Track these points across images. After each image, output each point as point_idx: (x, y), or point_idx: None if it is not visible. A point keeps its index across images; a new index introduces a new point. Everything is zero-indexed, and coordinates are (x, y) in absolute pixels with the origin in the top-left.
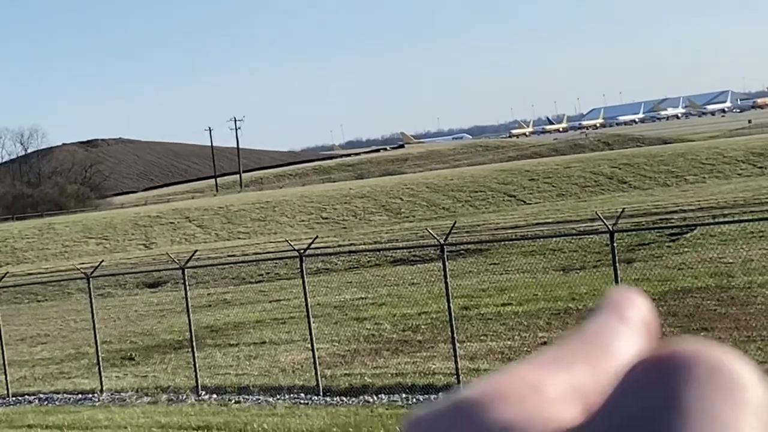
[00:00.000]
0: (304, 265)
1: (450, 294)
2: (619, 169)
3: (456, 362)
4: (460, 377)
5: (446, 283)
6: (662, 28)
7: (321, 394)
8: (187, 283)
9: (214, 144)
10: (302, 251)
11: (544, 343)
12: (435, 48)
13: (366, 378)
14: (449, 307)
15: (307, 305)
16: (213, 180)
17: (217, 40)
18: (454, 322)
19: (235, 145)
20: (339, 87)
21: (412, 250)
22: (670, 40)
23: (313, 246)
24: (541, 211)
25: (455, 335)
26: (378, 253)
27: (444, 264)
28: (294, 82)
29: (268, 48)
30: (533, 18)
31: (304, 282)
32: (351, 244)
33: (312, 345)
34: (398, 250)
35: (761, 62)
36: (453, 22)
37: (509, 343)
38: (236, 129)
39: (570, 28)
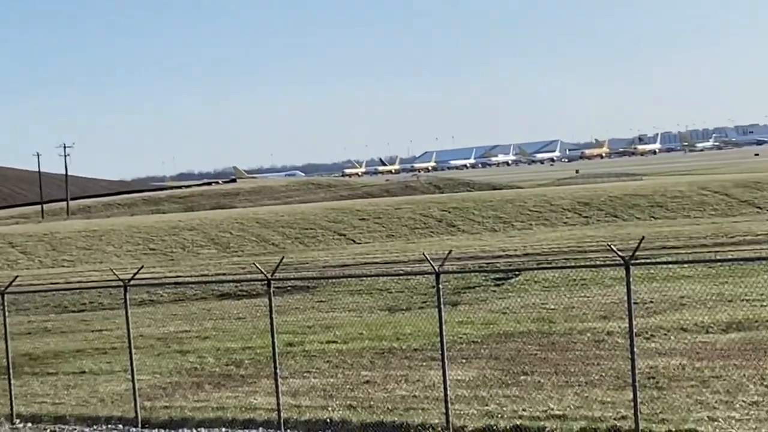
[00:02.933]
0: (128, 295)
1: (275, 330)
2: (449, 212)
3: (278, 398)
4: (282, 413)
5: (271, 318)
6: (496, 76)
7: (139, 425)
8: (6, 310)
9: (43, 170)
10: (127, 281)
11: (367, 381)
12: (268, 84)
13: (186, 411)
14: (273, 342)
15: (129, 336)
16: (39, 206)
17: (53, 63)
18: (277, 358)
19: (64, 172)
20: (172, 118)
21: (239, 284)
22: (503, 88)
23: (138, 276)
24: (370, 251)
25: (278, 371)
26: (204, 286)
27: (270, 299)
28: (126, 111)
29: (99, 75)
30: (365, 58)
31: (127, 312)
32: (177, 276)
33: (132, 376)
34: (225, 284)
35: (590, 114)
36: (287, 61)
37: (332, 380)
38: (65, 155)
39: (404, 70)
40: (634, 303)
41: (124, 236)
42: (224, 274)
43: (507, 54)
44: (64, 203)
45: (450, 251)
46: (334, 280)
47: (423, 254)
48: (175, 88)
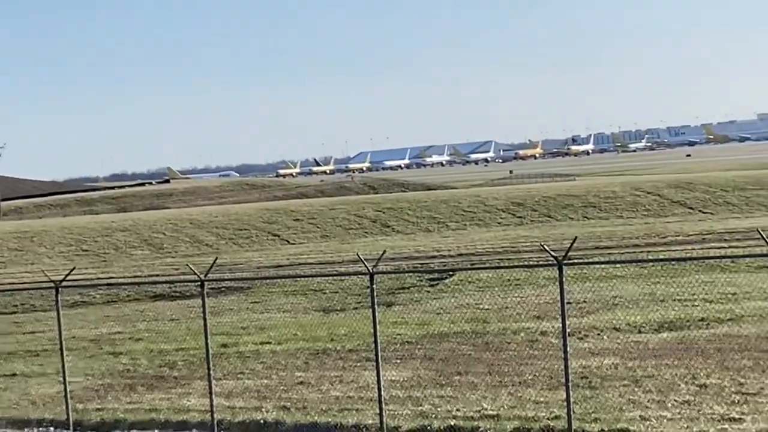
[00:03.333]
0: (60, 297)
1: (208, 331)
2: (383, 213)
3: (211, 399)
4: (215, 414)
5: (205, 319)
6: (430, 75)
7: (71, 428)
8: None
9: None
10: (59, 282)
11: (301, 383)
12: (201, 84)
13: (119, 413)
14: (207, 344)
15: (60, 338)
16: None
17: None
18: (211, 360)
19: None
20: (105, 119)
21: (173, 285)
22: (440, 89)
23: (70, 278)
24: (304, 251)
25: (212, 372)
26: (138, 287)
27: (203, 300)
28: (59, 110)
29: (33, 74)
30: (295, 59)
31: (59, 314)
32: (110, 278)
33: (64, 378)
34: (159, 285)
35: (525, 114)
36: (219, 61)
37: (266, 381)
38: None
39: (337, 70)
40: (568, 303)
41: (56, 237)
42: (158, 275)
43: (440, 54)
44: None
45: (384, 252)
46: (268, 281)
47: (357, 255)
48: (109, 88)
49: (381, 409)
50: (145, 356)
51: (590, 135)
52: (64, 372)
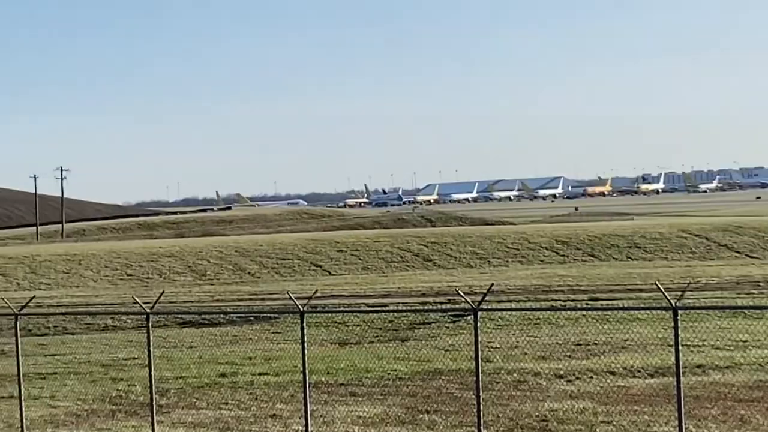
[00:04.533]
0: (18, 324)
1: (152, 364)
2: (427, 247)
3: (153, 429)
4: None
5: (149, 352)
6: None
7: None
8: None
9: (43, 192)
10: (19, 309)
11: (273, 415)
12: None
13: None
14: (151, 375)
15: (18, 365)
16: (35, 228)
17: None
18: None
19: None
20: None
21: (201, 315)
22: (510, 123)
23: (31, 305)
24: (340, 283)
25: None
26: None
27: (148, 333)
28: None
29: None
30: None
31: (17, 340)
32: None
33: (21, 407)
34: (188, 315)
35: (594, 150)
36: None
37: (242, 413)
38: (62, 178)
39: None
40: (577, 344)
41: (103, 261)
42: (191, 302)
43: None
44: (60, 225)
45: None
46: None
47: (396, 290)
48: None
49: None
50: (142, 383)
51: (661, 174)
52: (21, 401)
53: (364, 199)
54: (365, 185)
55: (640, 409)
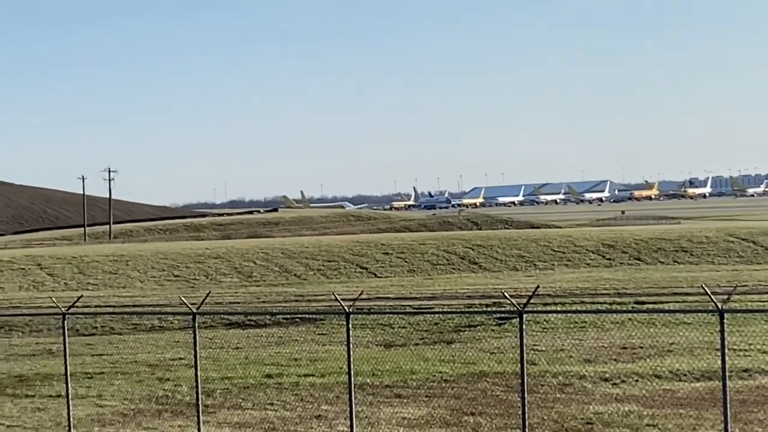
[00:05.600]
0: (66, 323)
1: (199, 363)
2: (472, 249)
3: (199, 429)
4: None
5: (195, 352)
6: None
7: None
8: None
9: (91, 193)
10: (67, 309)
11: (318, 416)
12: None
13: None
14: (197, 375)
15: (66, 363)
16: (82, 228)
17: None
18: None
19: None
20: (225, 145)
21: (247, 315)
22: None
23: (78, 304)
24: (386, 285)
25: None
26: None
27: (195, 332)
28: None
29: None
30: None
31: (65, 340)
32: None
33: (68, 405)
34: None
35: (642, 155)
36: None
37: (287, 414)
38: (109, 180)
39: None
40: (623, 348)
41: (150, 262)
42: (237, 303)
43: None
44: (107, 226)
45: (442, 290)
46: (338, 315)
47: (437, 292)
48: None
49: None
50: (188, 383)
51: (708, 177)
52: (68, 398)
53: (411, 202)
54: (414, 188)
55: (685, 413)
